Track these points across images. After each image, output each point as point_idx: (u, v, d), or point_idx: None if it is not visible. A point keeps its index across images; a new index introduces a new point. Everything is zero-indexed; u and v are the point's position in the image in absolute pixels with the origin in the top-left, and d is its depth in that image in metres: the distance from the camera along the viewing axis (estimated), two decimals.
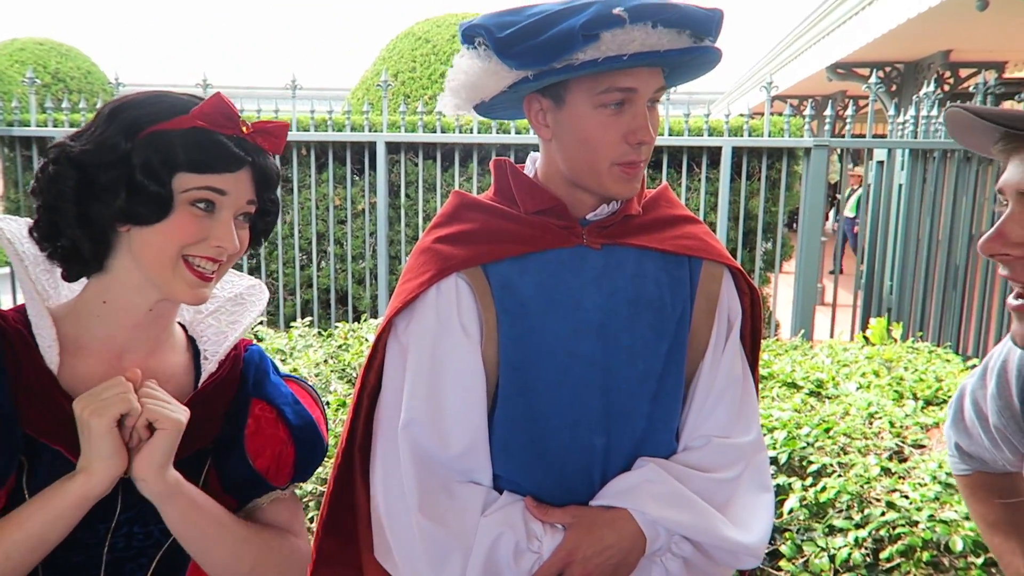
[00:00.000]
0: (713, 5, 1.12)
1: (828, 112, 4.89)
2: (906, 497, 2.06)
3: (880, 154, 4.82)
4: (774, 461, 2.28)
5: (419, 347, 1.15)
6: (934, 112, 4.59)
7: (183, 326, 1.14)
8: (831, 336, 4.93)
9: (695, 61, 1.14)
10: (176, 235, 0.95)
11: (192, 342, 1.12)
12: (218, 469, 1.07)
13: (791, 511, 2.05)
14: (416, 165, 5.11)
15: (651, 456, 1.20)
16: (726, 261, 1.26)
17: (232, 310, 1.16)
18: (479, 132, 4.92)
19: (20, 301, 1.02)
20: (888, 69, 8.74)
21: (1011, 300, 0.92)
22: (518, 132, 4.95)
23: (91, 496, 0.92)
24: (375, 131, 5.08)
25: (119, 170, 0.92)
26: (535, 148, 1.31)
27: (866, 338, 3.70)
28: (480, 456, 1.16)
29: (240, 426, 1.08)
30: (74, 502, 0.92)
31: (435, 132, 4.96)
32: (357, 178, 5.23)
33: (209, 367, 1.08)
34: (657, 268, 1.22)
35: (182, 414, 0.96)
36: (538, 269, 1.17)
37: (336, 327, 3.86)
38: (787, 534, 2.02)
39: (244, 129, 0.98)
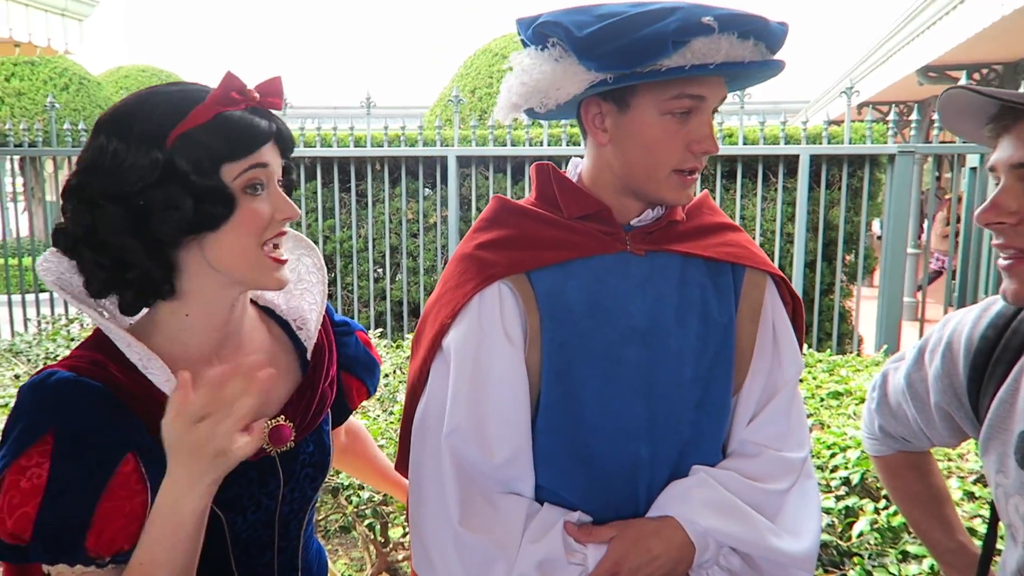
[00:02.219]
0: (780, 19, 1.12)
1: (914, 117, 4.67)
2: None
3: (973, 160, 4.57)
4: (846, 481, 2.17)
5: (462, 355, 1.15)
6: None
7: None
8: None
9: (761, 73, 1.15)
10: (250, 226, 0.95)
11: (266, 312, 1.16)
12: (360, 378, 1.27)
13: (861, 534, 1.94)
14: (487, 178, 5.16)
15: (696, 463, 1.17)
16: (769, 269, 1.23)
17: (307, 288, 1.18)
18: (549, 145, 4.92)
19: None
20: (985, 71, 8.29)
21: (1001, 261, 0.98)
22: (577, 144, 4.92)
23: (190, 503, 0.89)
24: (447, 145, 5.16)
25: (171, 183, 0.90)
26: None
27: None
28: (523, 465, 1.15)
29: (359, 349, 1.25)
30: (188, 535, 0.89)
31: (505, 145, 4.99)
32: (429, 192, 5.31)
33: (311, 340, 1.14)
34: (701, 275, 1.20)
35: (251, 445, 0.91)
36: (582, 275, 1.16)
37: (406, 338, 3.92)
38: (856, 559, 1.91)
39: (256, 97, 0.96)
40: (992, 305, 1.15)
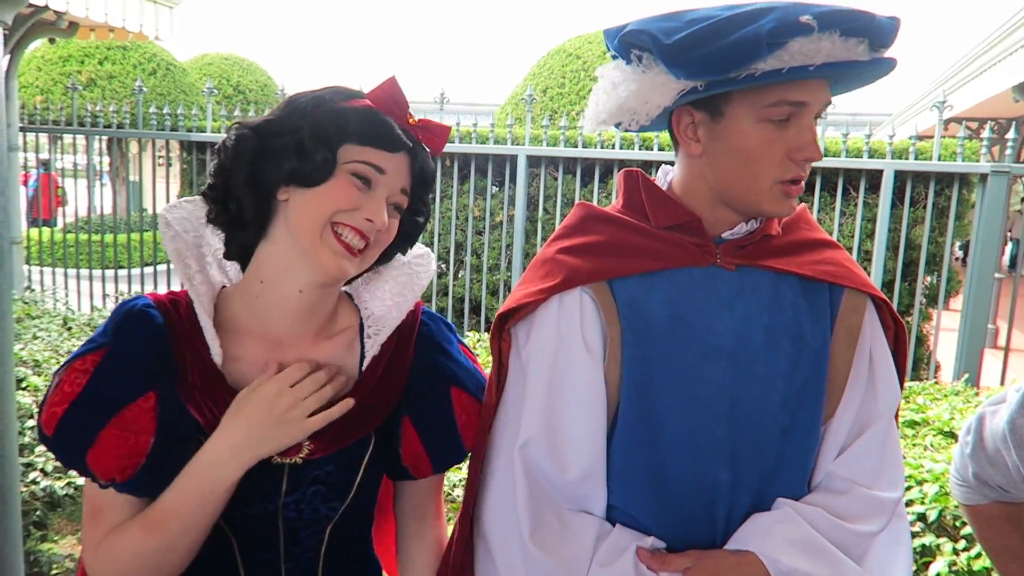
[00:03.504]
0: (890, 13, 1.03)
1: (1011, 135, 4.43)
2: None
3: None
4: (922, 518, 2.06)
5: (538, 362, 1.11)
6: None
7: (352, 299, 1.16)
8: (1002, 384, 4.43)
9: (867, 74, 1.06)
10: (331, 198, 0.98)
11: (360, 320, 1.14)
12: (422, 438, 1.11)
13: (938, 574, 1.84)
14: (556, 179, 5.11)
15: (780, 496, 1.10)
16: (870, 290, 1.15)
17: (400, 280, 1.17)
18: (621, 148, 4.85)
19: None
20: None
21: None
22: (661, 149, 4.83)
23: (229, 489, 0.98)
24: (517, 144, 5.13)
25: (293, 136, 0.98)
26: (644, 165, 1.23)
27: None
28: (597, 483, 1.10)
29: (444, 412, 1.11)
30: (217, 499, 0.97)
31: (576, 147, 4.94)
32: (497, 190, 5.30)
33: (372, 351, 1.09)
34: (795, 294, 1.12)
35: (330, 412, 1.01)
36: (667, 287, 1.11)
37: (467, 336, 3.92)
38: None
39: (410, 120, 1.02)
40: None
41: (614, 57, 1.12)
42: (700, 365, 1.08)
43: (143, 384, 0.96)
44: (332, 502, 1.06)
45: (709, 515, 1.09)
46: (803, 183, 1.07)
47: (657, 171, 1.23)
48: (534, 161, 5.10)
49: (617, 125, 1.13)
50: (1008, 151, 4.33)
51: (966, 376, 4.08)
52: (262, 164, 1.00)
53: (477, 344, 3.64)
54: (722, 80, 0.99)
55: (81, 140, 6.75)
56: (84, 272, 6.26)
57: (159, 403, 0.96)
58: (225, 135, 1.04)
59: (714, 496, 1.09)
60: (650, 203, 1.15)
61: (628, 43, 1.06)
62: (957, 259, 4.71)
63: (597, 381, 1.09)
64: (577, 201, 5.03)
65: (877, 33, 1.00)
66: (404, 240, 1.10)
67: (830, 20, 0.97)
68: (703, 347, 1.09)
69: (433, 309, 5.45)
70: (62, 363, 0.99)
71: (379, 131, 0.99)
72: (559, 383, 1.09)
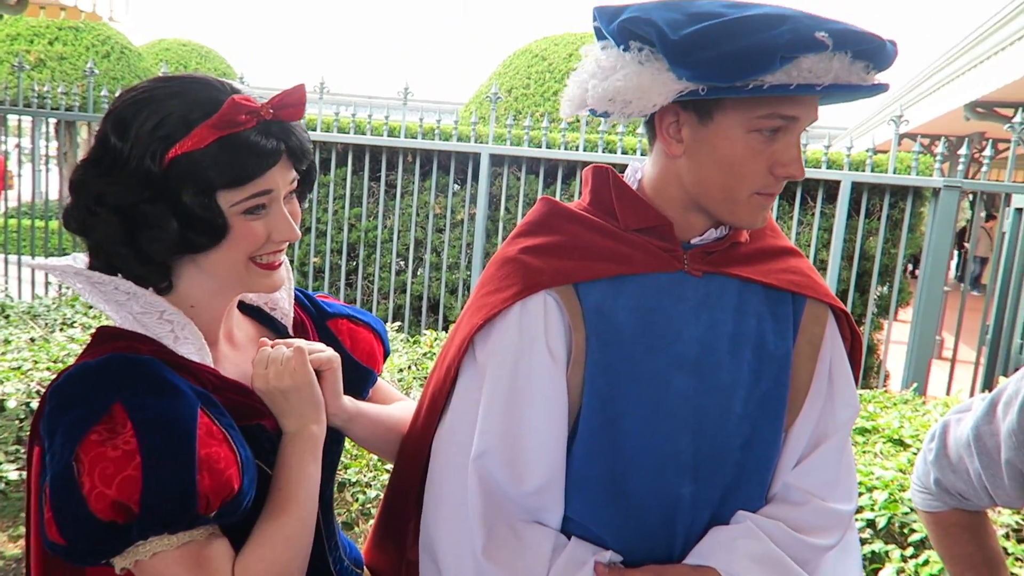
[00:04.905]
0: (888, 36, 1.01)
1: (963, 152, 4.53)
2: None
3: (1019, 200, 4.42)
4: (871, 524, 2.07)
5: (498, 369, 1.06)
6: None
7: None
8: (947, 393, 4.54)
9: (858, 94, 1.03)
10: (241, 248, 0.95)
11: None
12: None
13: None
14: (518, 179, 5.09)
15: (739, 508, 1.08)
16: (831, 301, 1.14)
17: None
18: (585, 150, 4.84)
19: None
20: None
21: None
22: (624, 152, 4.84)
23: (321, 446, 1.03)
24: (481, 142, 5.09)
25: (163, 202, 0.89)
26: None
27: None
28: (554, 494, 1.06)
29: (337, 345, 1.15)
30: (317, 458, 1.02)
31: (540, 147, 4.92)
32: (459, 188, 5.25)
33: (288, 312, 1.14)
34: (759, 302, 1.10)
35: (331, 351, 1.08)
36: (635, 293, 1.07)
37: (424, 334, 3.86)
38: None
39: (266, 114, 0.92)
40: None
41: (601, 37, 1.06)
42: (666, 374, 1.05)
43: (189, 405, 0.89)
44: (328, 457, 1.10)
45: (668, 529, 1.06)
46: (776, 196, 1.05)
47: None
48: (497, 160, 5.06)
49: (594, 112, 1.08)
50: (960, 167, 4.43)
51: (915, 385, 4.16)
52: (142, 240, 0.91)
53: (435, 342, 3.58)
54: (726, 87, 0.95)
55: (27, 122, 6.50)
56: (27, 259, 6.03)
57: (208, 413, 0.92)
58: (71, 196, 0.92)
59: (675, 509, 1.06)
60: (620, 203, 1.10)
61: (628, 30, 1.00)
62: (908, 272, 4.81)
63: (560, 389, 1.05)
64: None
65: (881, 58, 0.98)
66: (303, 194, 1.07)
67: (844, 40, 0.94)
68: (670, 356, 1.06)
69: (390, 306, 5.39)
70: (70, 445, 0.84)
71: (248, 164, 0.90)
72: (520, 391, 1.05)
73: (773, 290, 1.11)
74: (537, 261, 1.08)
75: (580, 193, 1.19)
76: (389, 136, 5.14)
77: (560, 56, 7.32)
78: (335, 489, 2.09)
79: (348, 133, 5.22)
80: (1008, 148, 11.12)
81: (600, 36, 1.07)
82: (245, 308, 1.14)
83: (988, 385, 4.36)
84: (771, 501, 1.11)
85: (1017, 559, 1.93)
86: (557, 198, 5.02)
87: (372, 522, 2.16)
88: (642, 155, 4.62)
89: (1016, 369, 4.42)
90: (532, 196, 5.07)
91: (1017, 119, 4.41)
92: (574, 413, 1.06)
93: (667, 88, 0.98)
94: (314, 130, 5.15)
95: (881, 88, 1.01)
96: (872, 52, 0.96)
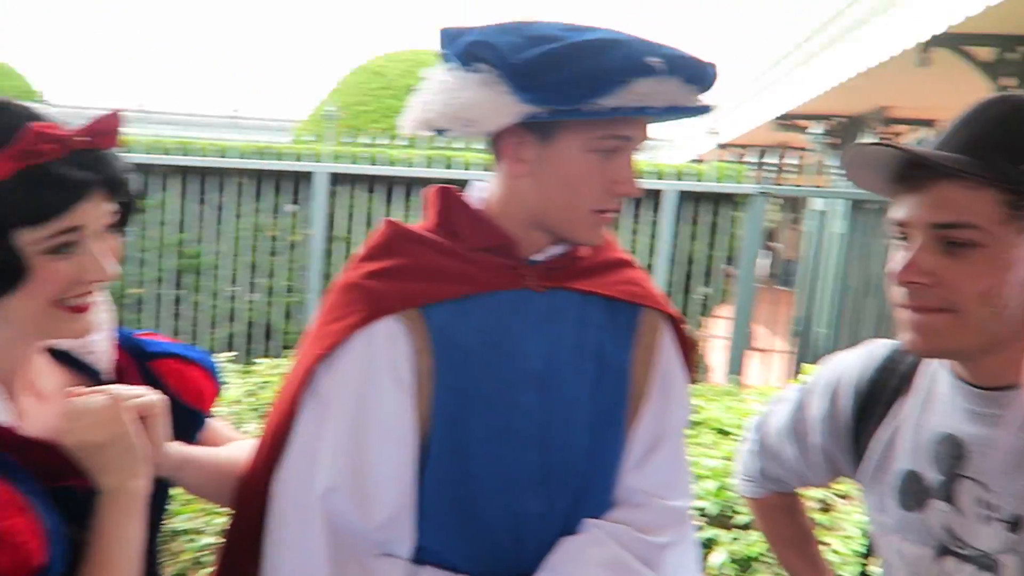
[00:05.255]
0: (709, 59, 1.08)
1: (771, 161, 4.96)
2: (836, 552, 2.00)
3: (819, 204, 4.91)
4: (702, 512, 2.21)
5: (343, 401, 1.03)
6: None
7: None
8: (764, 382, 4.93)
9: (688, 115, 1.09)
10: (42, 292, 0.85)
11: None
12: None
13: (721, 566, 1.98)
14: (358, 199, 5.01)
15: (587, 515, 1.11)
16: (665, 309, 1.19)
17: None
18: (425, 166, 4.85)
19: None
20: (832, 122, 9.02)
21: (906, 314, 0.95)
22: (465, 167, 4.90)
23: (144, 503, 0.93)
24: (316, 161, 4.98)
25: None
26: (463, 184, 1.21)
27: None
28: (404, 525, 1.04)
29: (162, 388, 1.05)
30: (139, 517, 0.92)
31: (379, 164, 4.87)
32: (295, 208, 5.09)
33: (106, 355, 1.03)
34: (599, 314, 1.14)
35: (154, 395, 0.97)
36: (481, 313, 1.07)
37: (258, 363, 3.69)
38: None
39: (75, 143, 0.85)
40: (874, 348, 1.16)
41: (446, 59, 1.07)
42: (513, 392, 1.07)
43: None
44: (154, 511, 1.02)
45: (519, 546, 1.07)
46: (612, 215, 1.08)
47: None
48: (336, 179, 4.96)
49: (439, 131, 1.07)
50: (768, 175, 4.85)
51: (735, 377, 4.49)
52: None
53: (271, 372, 3.44)
54: (569, 110, 0.98)
55: None
56: None
57: (6, 481, 0.82)
58: None
59: (525, 526, 1.07)
60: (464, 223, 1.10)
61: (471, 52, 1.01)
62: (727, 274, 5.20)
63: (408, 417, 1.04)
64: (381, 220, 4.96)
65: (707, 80, 1.04)
66: (124, 223, 0.99)
67: (675, 65, 0.99)
68: (516, 373, 1.07)
69: (222, 335, 5.11)
70: None
71: (51, 198, 0.82)
72: (367, 422, 1.02)
73: (612, 301, 1.15)
74: (381, 285, 1.06)
75: (424, 211, 1.19)
76: (218, 156, 4.91)
77: (397, 72, 7.31)
78: (162, 539, 1.96)
79: (172, 155, 4.93)
80: (808, 155, 12.29)
81: (446, 57, 1.08)
82: (56, 353, 1.03)
83: (797, 373, 4.79)
84: (615, 505, 1.14)
85: (824, 527, 2.13)
86: (400, 216, 4.95)
87: (207, 572, 2.03)
88: (484, 170, 4.70)
89: (820, 356, 4.89)
90: (374, 215, 5.02)
91: (815, 130, 4.90)
92: (424, 440, 1.05)
93: (510, 110, 1.00)
94: (134, 152, 4.83)
95: (707, 109, 1.07)
96: (700, 76, 1.02)
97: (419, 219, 1.19)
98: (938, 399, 1.03)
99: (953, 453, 0.98)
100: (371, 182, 4.97)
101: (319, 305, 1.13)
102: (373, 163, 4.94)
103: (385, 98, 7.18)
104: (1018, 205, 0.86)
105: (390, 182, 4.94)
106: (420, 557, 1.05)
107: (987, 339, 0.92)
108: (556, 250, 1.12)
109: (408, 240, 1.11)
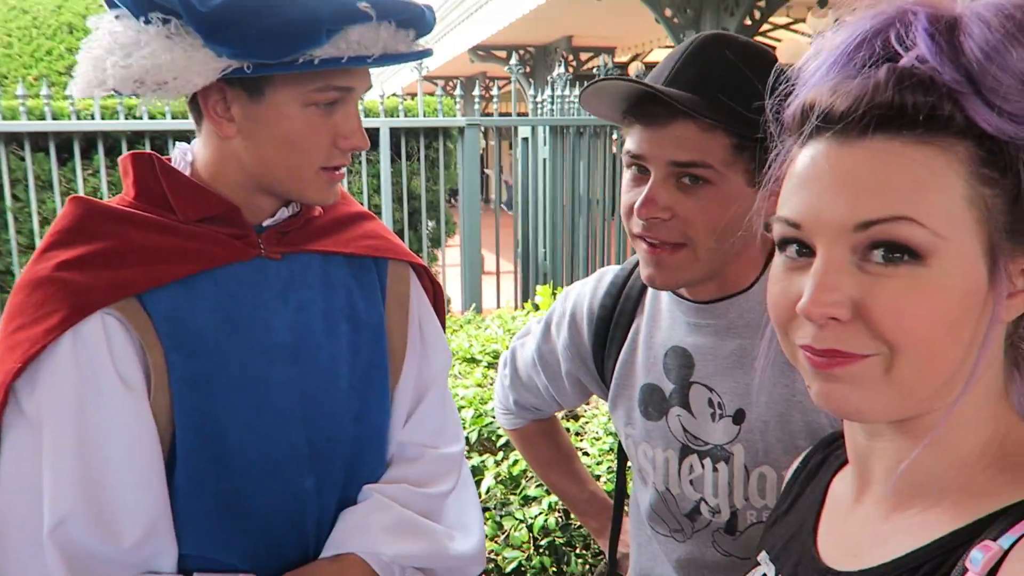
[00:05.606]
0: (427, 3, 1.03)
1: (476, 92, 5.09)
2: (586, 454, 2.19)
3: (524, 131, 5.16)
4: (466, 441, 2.28)
5: (59, 417, 0.88)
6: (567, 92, 5.02)
7: None
8: (498, 305, 5.20)
9: (407, 60, 1.04)
10: None
11: None
12: None
13: (488, 490, 2.07)
14: (23, 159, 4.25)
15: (363, 482, 1.08)
16: (410, 258, 1.17)
17: None
18: (103, 118, 4.23)
19: None
20: (522, 52, 9.47)
21: (644, 248, 1.00)
22: (152, 117, 4.36)
23: None
24: None
25: None
26: (175, 135, 1.06)
27: (536, 305, 3.94)
28: (162, 539, 0.93)
29: None
30: None
31: (44, 119, 4.16)
32: None
33: None
34: (344, 274, 1.08)
35: None
36: (211, 291, 0.97)
37: None
38: (487, 513, 2.03)
39: None
40: (605, 276, 1.24)
41: (112, 5, 0.90)
42: (264, 370, 0.99)
43: None
44: None
45: (299, 529, 1.02)
46: (343, 171, 1.02)
47: (147, 144, 1.06)
48: None
49: (121, 93, 0.93)
50: (476, 106, 4.97)
51: (473, 306, 4.67)
52: None
53: None
54: (274, 64, 0.88)
55: None
56: None
57: None
58: None
59: (301, 506, 1.02)
60: (175, 193, 0.97)
61: (147, 1, 0.86)
62: (451, 205, 5.32)
63: (144, 419, 0.92)
64: (56, 184, 4.26)
65: (423, 24, 0.99)
66: None
67: (386, 10, 0.93)
68: (264, 349, 0.99)
69: None
70: None
71: None
72: (94, 436, 0.89)
73: (355, 258, 1.10)
74: (82, 276, 0.90)
75: (107, 170, 1.01)
76: None
77: (47, 8, 6.24)
78: None
79: None
80: (506, 85, 12.86)
81: (111, 3, 0.92)
82: None
83: (526, 293, 5.11)
84: (390, 464, 1.13)
85: (574, 433, 2.33)
86: (79, 176, 4.28)
87: None
88: (173, 118, 4.22)
89: (544, 275, 5.25)
90: (45, 178, 4.31)
91: (512, 61, 5.09)
92: (167, 441, 0.94)
93: (207, 66, 0.89)
94: None
95: (427, 53, 1.03)
96: (414, 20, 0.98)
97: (104, 178, 1.03)
98: (662, 316, 1.14)
99: (682, 363, 1.09)
100: (38, 139, 4.24)
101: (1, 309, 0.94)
102: (38, 117, 4.21)
103: (36, 38, 6.11)
104: (742, 147, 0.95)
105: (62, 139, 4.25)
106: (190, 566, 0.96)
107: (712, 269, 1.02)
108: (287, 212, 1.05)
109: (107, 219, 0.96)
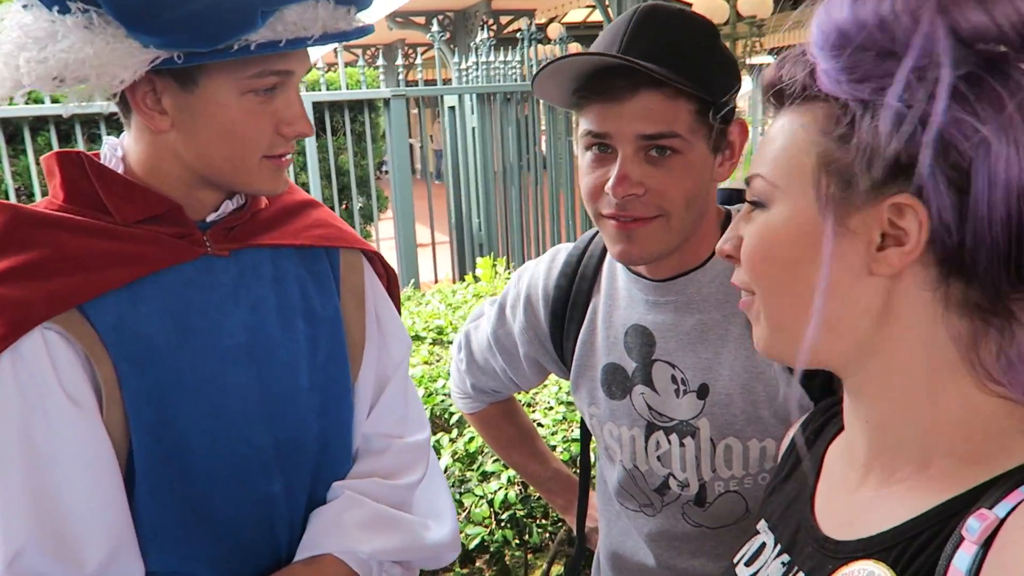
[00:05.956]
0: None
1: (399, 62, 4.98)
2: (541, 425, 2.20)
3: (451, 100, 5.08)
4: None
5: (3, 446, 0.83)
6: (492, 58, 4.95)
7: None
8: (435, 279, 5.15)
9: (348, 38, 0.98)
10: None
11: None
12: None
13: (447, 468, 2.06)
14: None
15: (332, 479, 1.06)
16: (362, 246, 1.14)
17: None
18: (27, 102, 3.94)
19: None
20: (442, 17, 9.28)
21: (616, 224, 0.99)
22: (55, 101, 4.11)
23: None
24: None
25: None
26: (83, 120, 0.99)
27: (476, 277, 3.92)
28: (128, 559, 0.90)
29: None
30: None
31: None
32: None
33: None
34: (296, 267, 1.04)
35: None
36: (158, 295, 0.92)
37: None
38: None
39: None
40: (558, 255, 1.22)
41: (48, 7, 0.83)
42: (220, 373, 0.95)
43: None
44: None
45: (269, 533, 0.99)
46: (291, 156, 0.98)
47: (52, 131, 0.99)
48: None
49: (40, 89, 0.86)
50: (400, 76, 4.86)
51: (412, 281, 4.62)
52: None
53: None
54: (207, 52, 0.82)
55: None
56: None
57: None
58: None
59: (270, 510, 0.99)
60: (110, 194, 0.92)
61: None
62: (378, 178, 5.22)
63: (97, 437, 0.87)
64: None
65: (363, 1, 0.95)
66: None
67: None
68: (219, 352, 0.95)
69: None
70: None
71: None
72: (44, 460, 0.84)
73: (306, 249, 1.06)
74: (16, 291, 0.84)
75: (9, 159, 0.94)
76: None
77: None
78: None
79: None
80: (427, 51, 12.64)
81: None
82: None
83: (464, 265, 5.08)
84: (357, 457, 1.11)
85: (526, 405, 2.34)
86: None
87: None
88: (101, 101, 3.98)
89: (481, 247, 5.22)
90: None
91: (434, 27, 4.99)
92: (124, 456, 0.90)
93: (133, 59, 0.82)
94: None
95: (368, 30, 0.99)
96: None
97: (7, 169, 0.96)
98: (620, 295, 1.13)
99: (643, 341, 1.10)
100: None
101: None
102: None
103: None
104: (705, 113, 0.95)
105: None
106: None
107: (682, 238, 1.01)
108: (231, 206, 1.00)
109: (37, 225, 0.89)
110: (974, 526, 0.51)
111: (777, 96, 0.63)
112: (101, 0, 0.80)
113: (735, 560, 0.77)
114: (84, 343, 0.87)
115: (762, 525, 0.77)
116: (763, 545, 0.74)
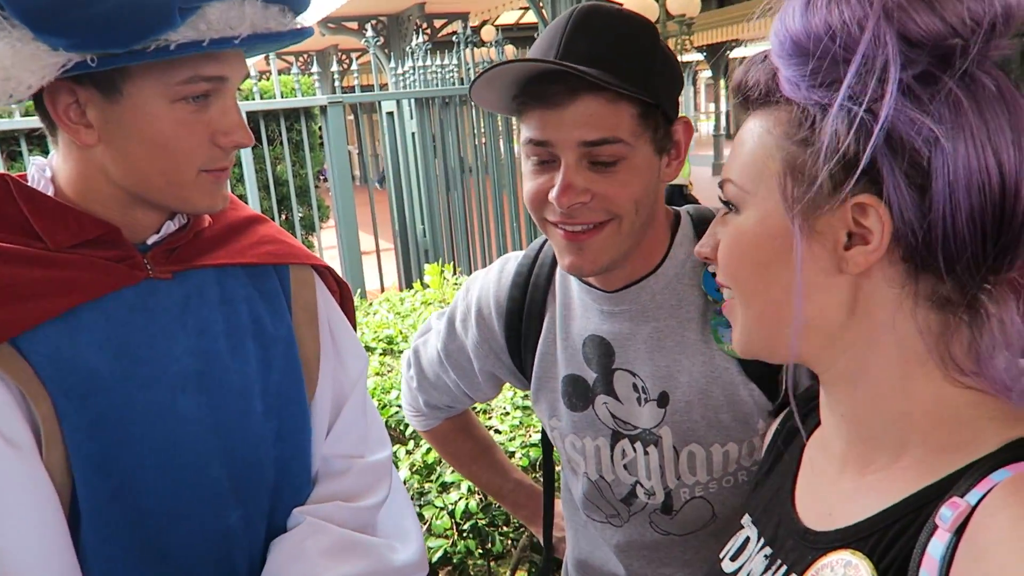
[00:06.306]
0: None
1: (334, 68, 4.90)
2: (498, 431, 2.18)
3: (389, 106, 5.02)
4: None
5: None
6: (428, 62, 4.91)
7: None
8: (381, 287, 5.08)
9: (285, 41, 0.93)
10: None
11: None
12: None
13: (405, 481, 2.02)
14: None
15: (291, 505, 1.01)
16: (312, 261, 1.10)
17: None
18: None
19: None
20: (375, 22, 9.19)
21: (565, 233, 0.97)
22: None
23: None
24: None
25: None
26: (3, 139, 0.93)
27: (424, 284, 3.87)
28: None
29: None
30: None
31: None
32: None
33: None
34: (244, 286, 1.00)
35: None
36: (99, 324, 0.87)
37: None
38: None
39: None
40: (508, 265, 1.19)
41: None
42: (169, 402, 0.90)
43: None
44: None
45: (228, 568, 0.95)
46: (230, 169, 0.93)
47: None
48: None
49: None
50: (336, 83, 4.79)
51: (359, 291, 4.54)
52: None
53: None
54: (123, 54, 0.77)
55: None
56: None
57: None
58: None
59: (229, 543, 0.95)
60: (40, 218, 0.86)
61: None
62: (317, 186, 5.12)
63: (37, 479, 0.82)
64: None
65: (298, 1, 0.90)
66: None
67: None
68: (166, 380, 0.90)
69: None
70: None
71: None
72: None
73: (254, 268, 1.02)
74: None
75: None
76: None
77: None
78: None
79: None
80: (361, 56, 12.50)
81: None
82: None
83: (410, 272, 5.02)
84: (317, 480, 1.07)
85: (482, 412, 2.32)
86: None
87: None
88: (24, 115, 3.80)
89: (426, 252, 5.17)
90: None
91: (369, 32, 4.93)
92: (67, 497, 0.85)
93: (41, 62, 0.77)
94: None
95: (306, 32, 0.95)
96: None
97: None
98: (575, 305, 1.11)
99: (601, 352, 1.08)
100: None
101: None
102: None
103: None
104: (646, 115, 0.93)
105: None
106: None
107: (633, 243, 0.99)
108: (173, 226, 0.96)
109: None
110: (947, 514, 0.52)
111: (745, 99, 0.65)
112: (3, 1, 0.75)
113: (720, 555, 0.77)
114: (18, 380, 0.82)
115: (746, 519, 0.77)
116: (747, 539, 0.74)
